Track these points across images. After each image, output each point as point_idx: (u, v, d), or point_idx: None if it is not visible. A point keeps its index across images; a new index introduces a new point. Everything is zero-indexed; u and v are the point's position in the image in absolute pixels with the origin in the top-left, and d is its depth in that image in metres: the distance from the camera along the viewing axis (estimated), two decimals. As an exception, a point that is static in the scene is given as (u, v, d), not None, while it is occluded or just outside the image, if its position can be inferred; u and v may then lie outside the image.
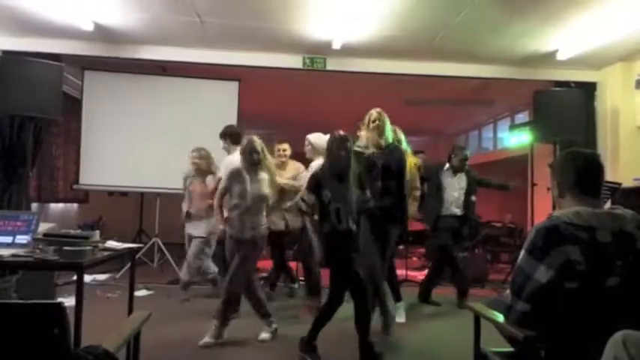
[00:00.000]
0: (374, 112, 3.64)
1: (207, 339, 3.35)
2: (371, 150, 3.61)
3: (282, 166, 4.62)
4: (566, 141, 4.97)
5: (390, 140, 3.65)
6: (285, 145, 4.73)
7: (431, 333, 3.86)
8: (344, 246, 3.04)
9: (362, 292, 3.07)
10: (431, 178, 4.87)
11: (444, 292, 5.10)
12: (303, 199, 3.19)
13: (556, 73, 5.46)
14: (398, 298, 4.12)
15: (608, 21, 4.20)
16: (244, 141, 3.57)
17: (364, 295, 3.07)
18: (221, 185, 3.61)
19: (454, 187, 4.79)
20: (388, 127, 3.64)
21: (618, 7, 3.94)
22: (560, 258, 1.49)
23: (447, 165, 4.83)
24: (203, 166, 4.67)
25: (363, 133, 3.71)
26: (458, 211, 4.77)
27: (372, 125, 3.60)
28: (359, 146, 3.59)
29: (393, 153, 3.61)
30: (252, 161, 3.46)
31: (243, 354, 3.28)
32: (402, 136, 4.05)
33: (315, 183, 3.12)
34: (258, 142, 3.51)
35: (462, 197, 4.80)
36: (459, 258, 4.94)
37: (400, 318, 4.02)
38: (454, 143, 5.41)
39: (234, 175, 3.48)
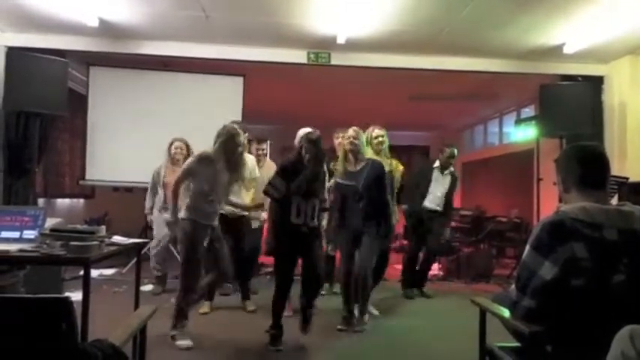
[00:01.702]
0: (351, 131, 3.72)
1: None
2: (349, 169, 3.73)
3: (259, 164, 4.56)
4: (572, 135, 4.94)
5: (367, 155, 3.76)
6: (264, 145, 4.76)
7: (436, 328, 3.86)
8: (291, 238, 3.22)
9: (311, 282, 3.30)
10: (425, 174, 4.99)
11: (449, 289, 5.10)
12: (273, 185, 3.26)
13: (563, 66, 5.42)
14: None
15: (616, 14, 4.16)
16: (223, 129, 3.39)
17: (314, 285, 3.31)
18: (186, 167, 3.39)
19: (439, 186, 4.92)
20: (364, 144, 3.76)
21: (626, 0, 3.89)
22: (565, 254, 1.47)
23: (437, 162, 4.99)
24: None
25: (341, 153, 3.82)
26: (439, 209, 4.93)
27: (348, 144, 3.71)
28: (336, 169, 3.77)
29: (372, 167, 3.68)
30: (231, 152, 3.34)
31: (245, 345, 3.30)
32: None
33: (284, 175, 3.25)
34: (242, 135, 3.41)
35: (443, 197, 4.94)
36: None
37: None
38: (444, 140, 5.50)
39: (204, 161, 3.31)
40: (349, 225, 3.71)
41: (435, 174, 4.93)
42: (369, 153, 3.97)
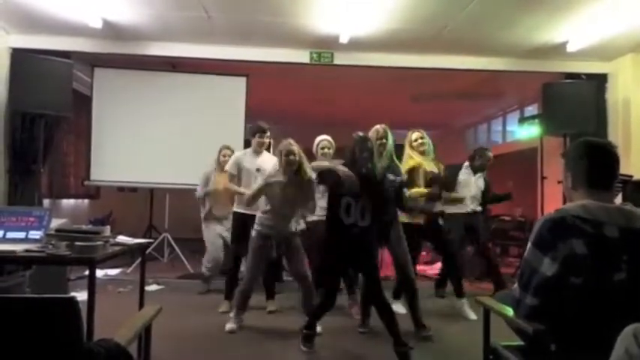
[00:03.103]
0: (380, 130, 3.63)
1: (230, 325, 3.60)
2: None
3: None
4: (576, 133, 4.92)
5: (390, 158, 3.64)
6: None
7: (440, 326, 3.86)
8: (343, 239, 3.11)
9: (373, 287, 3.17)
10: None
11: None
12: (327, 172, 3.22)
13: (566, 64, 5.40)
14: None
15: (619, 11, 4.14)
16: (280, 145, 3.51)
17: (375, 291, 3.15)
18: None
19: (471, 186, 4.83)
20: (391, 144, 3.65)
21: (630, -3, 3.89)
22: (565, 251, 1.47)
23: (467, 163, 4.89)
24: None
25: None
26: (475, 208, 4.84)
27: (378, 143, 3.59)
28: None
29: (392, 171, 3.59)
30: (289, 163, 3.40)
31: (252, 345, 3.31)
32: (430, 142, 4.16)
33: (333, 179, 3.16)
34: (295, 146, 3.45)
35: (479, 196, 4.85)
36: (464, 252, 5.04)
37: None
38: (479, 146, 5.46)
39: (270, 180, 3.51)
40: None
41: (464, 176, 4.82)
42: (413, 156, 4.00)
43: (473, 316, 4.00)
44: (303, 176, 3.39)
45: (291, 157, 3.39)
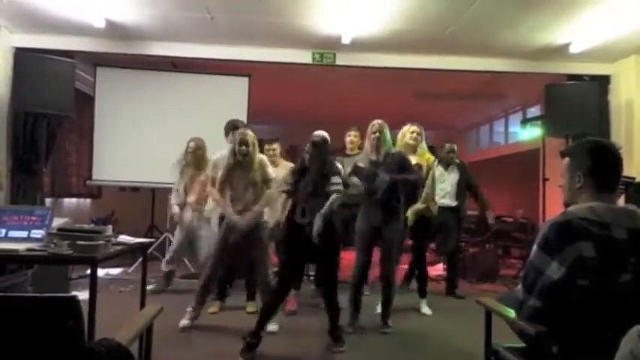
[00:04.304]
0: (376, 124, 3.68)
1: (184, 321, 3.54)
2: (372, 158, 3.67)
3: (273, 165, 4.47)
4: (578, 135, 4.92)
5: (390, 148, 3.69)
6: (275, 145, 4.62)
7: (441, 328, 3.86)
8: (297, 238, 3.21)
9: (328, 283, 3.28)
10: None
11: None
12: (288, 184, 3.36)
13: (569, 66, 5.40)
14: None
15: (622, 13, 4.14)
16: (237, 134, 3.60)
17: (330, 287, 3.27)
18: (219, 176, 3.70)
19: (444, 180, 4.92)
20: (388, 138, 3.69)
21: (633, -1, 3.88)
22: (573, 254, 1.46)
23: (436, 161, 4.88)
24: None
25: (367, 144, 3.77)
26: (451, 203, 4.92)
27: (372, 137, 3.66)
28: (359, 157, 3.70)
29: (393, 159, 3.63)
30: (241, 153, 3.49)
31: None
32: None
33: (294, 175, 3.33)
34: (250, 135, 3.54)
35: (455, 189, 4.95)
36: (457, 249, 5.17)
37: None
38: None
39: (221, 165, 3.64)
40: (368, 218, 3.62)
41: (437, 171, 4.79)
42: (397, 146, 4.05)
43: (428, 311, 4.27)
44: (253, 165, 3.53)
45: (243, 148, 3.48)
